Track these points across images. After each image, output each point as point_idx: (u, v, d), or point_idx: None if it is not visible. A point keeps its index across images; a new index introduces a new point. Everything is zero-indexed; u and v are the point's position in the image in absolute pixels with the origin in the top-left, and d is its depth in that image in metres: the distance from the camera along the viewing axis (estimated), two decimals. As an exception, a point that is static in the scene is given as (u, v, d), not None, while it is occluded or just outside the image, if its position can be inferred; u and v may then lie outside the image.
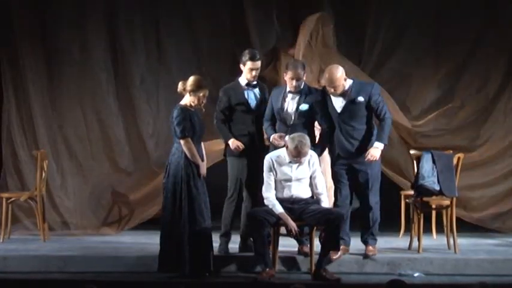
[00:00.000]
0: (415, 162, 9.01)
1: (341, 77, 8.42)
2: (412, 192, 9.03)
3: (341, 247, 8.40)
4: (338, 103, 8.49)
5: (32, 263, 8.58)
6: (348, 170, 8.54)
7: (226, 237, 8.72)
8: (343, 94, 8.47)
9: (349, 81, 8.52)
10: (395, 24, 10.46)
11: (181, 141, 8.12)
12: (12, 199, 9.76)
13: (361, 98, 8.46)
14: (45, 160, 9.78)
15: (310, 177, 8.32)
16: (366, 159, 8.44)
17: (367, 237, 8.59)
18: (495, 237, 9.88)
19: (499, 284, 7.87)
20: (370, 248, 8.54)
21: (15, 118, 10.41)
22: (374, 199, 8.55)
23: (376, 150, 8.47)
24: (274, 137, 8.49)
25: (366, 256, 8.50)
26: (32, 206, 9.75)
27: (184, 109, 8.17)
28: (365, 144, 8.48)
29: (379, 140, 8.50)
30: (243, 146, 8.62)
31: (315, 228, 8.30)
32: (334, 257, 8.38)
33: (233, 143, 8.64)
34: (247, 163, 8.64)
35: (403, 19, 10.46)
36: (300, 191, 8.31)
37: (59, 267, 8.53)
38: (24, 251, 8.97)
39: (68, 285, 8.00)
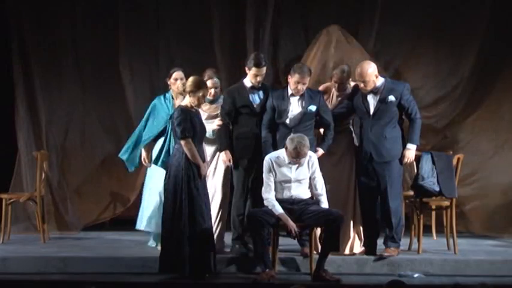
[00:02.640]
0: (414, 162, 9.01)
1: (372, 73, 8.44)
2: (411, 193, 9.03)
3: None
4: (371, 102, 8.51)
5: (32, 264, 8.57)
6: (373, 173, 8.56)
7: (239, 240, 8.67)
8: (375, 92, 8.49)
9: (381, 79, 8.55)
10: (393, 17, 10.52)
11: (182, 142, 8.11)
12: (12, 200, 9.77)
13: (392, 97, 8.48)
14: (45, 161, 9.78)
15: (310, 178, 8.32)
16: (404, 162, 8.52)
17: (387, 241, 8.59)
18: (495, 238, 9.88)
19: (499, 284, 7.85)
20: (388, 249, 8.52)
21: (19, 119, 10.52)
22: (394, 203, 8.54)
23: (410, 152, 8.54)
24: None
25: (381, 257, 8.48)
26: (32, 207, 9.75)
27: (185, 110, 8.16)
28: (395, 145, 8.52)
29: (411, 141, 8.55)
30: (231, 163, 8.60)
31: (315, 229, 8.31)
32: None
33: (226, 154, 8.61)
34: (252, 165, 8.61)
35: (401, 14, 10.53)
36: (300, 192, 8.30)
37: (58, 268, 8.51)
38: (24, 252, 8.97)
39: (67, 286, 8.00)
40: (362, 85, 8.48)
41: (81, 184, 10.57)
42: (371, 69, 8.47)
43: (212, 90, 8.75)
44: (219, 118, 8.66)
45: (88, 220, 10.44)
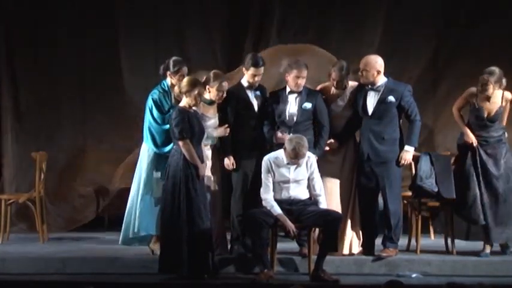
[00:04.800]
0: (413, 163, 9.01)
1: (374, 65, 8.47)
2: (410, 193, 9.04)
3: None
4: (371, 102, 8.52)
5: (31, 265, 8.58)
6: (371, 174, 8.58)
7: (238, 241, 8.65)
8: (375, 91, 8.50)
9: (383, 79, 8.55)
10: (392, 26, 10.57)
11: (180, 143, 8.11)
12: (11, 201, 9.78)
13: (391, 98, 8.49)
14: (44, 162, 9.79)
15: (308, 179, 8.33)
16: (400, 164, 8.53)
17: (385, 241, 8.61)
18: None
19: (496, 285, 7.86)
20: (386, 250, 8.54)
21: (13, 119, 10.53)
22: (393, 205, 8.54)
23: (408, 154, 8.54)
24: (278, 135, 8.45)
25: (379, 257, 8.51)
26: (31, 208, 9.76)
27: (183, 110, 8.16)
28: (393, 147, 8.53)
29: (409, 143, 8.55)
30: (234, 166, 8.58)
31: (313, 229, 8.32)
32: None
33: (229, 160, 8.58)
34: (251, 166, 8.60)
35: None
36: (298, 192, 8.31)
37: (57, 269, 8.52)
38: (22, 253, 8.98)
39: (66, 287, 8.02)
40: (360, 74, 8.52)
41: (64, 185, 10.65)
42: (375, 62, 8.50)
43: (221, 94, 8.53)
44: (225, 126, 8.57)
45: (73, 221, 10.53)
